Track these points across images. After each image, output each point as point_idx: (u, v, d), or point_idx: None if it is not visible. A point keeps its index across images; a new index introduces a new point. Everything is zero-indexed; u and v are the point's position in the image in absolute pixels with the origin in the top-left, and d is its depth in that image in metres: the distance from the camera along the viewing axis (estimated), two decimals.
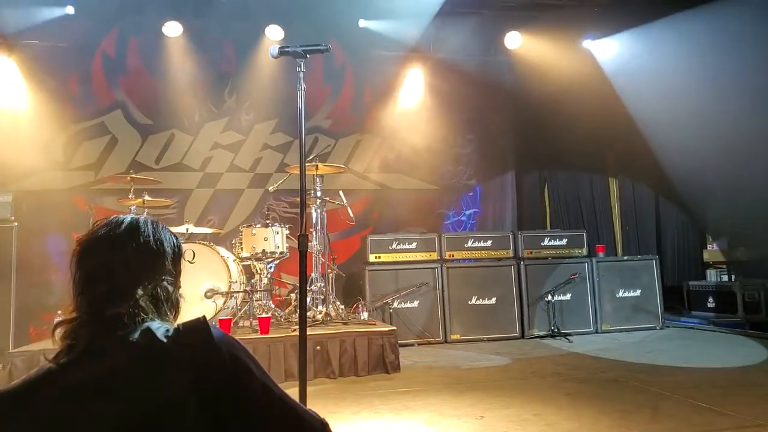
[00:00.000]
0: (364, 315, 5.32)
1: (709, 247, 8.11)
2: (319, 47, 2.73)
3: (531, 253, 6.68)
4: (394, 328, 4.96)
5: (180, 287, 1.25)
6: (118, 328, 1.06)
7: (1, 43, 6.22)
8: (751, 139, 6.05)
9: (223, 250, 5.33)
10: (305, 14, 6.85)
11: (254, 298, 5.15)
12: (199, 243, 5.26)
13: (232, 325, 4.79)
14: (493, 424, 3.21)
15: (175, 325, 1.11)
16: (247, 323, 5.04)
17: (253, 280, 5.49)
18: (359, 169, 7.59)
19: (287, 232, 5.51)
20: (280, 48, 2.72)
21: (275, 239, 5.33)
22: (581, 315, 6.53)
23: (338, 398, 3.93)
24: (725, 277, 7.49)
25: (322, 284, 5.43)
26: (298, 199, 2.65)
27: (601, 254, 6.96)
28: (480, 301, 6.37)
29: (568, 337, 6.15)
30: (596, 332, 6.50)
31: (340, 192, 5.83)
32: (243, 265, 5.51)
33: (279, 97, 7.00)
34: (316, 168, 5.49)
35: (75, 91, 6.75)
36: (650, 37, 6.94)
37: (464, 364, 5.05)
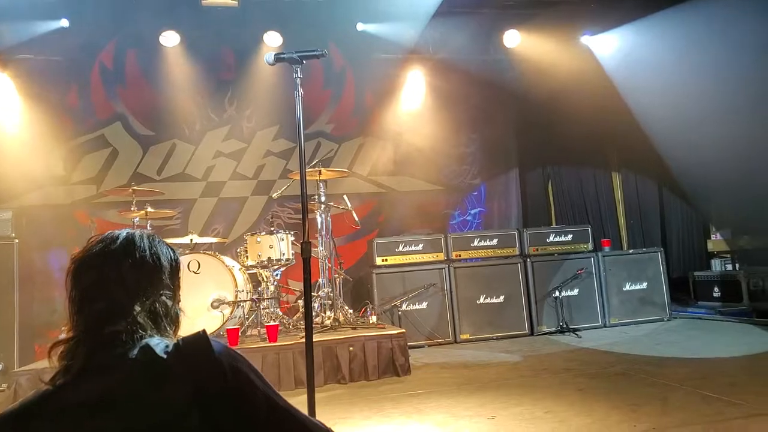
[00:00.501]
0: (373, 319, 5.31)
1: (713, 237, 8.09)
2: (314, 53, 2.73)
3: (537, 249, 6.67)
4: (404, 330, 4.95)
5: (179, 301, 1.23)
6: (117, 346, 1.04)
7: None
8: (753, 129, 6.02)
9: (228, 260, 5.33)
10: (303, 19, 6.85)
11: (261, 307, 5.15)
12: (204, 253, 5.26)
13: (240, 334, 4.79)
14: (505, 423, 3.20)
15: (175, 340, 1.10)
16: (255, 332, 5.03)
17: (259, 288, 5.49)
18: (363, 172, 7.59)
19: (292, 238, 5.50)
20: (275, 55, 2.72)
21: (281, 246, 5.32)
22: (589, 310, 6.52)
23: (349, 403, 3.92)
24: (730, 267, 7.46)
25: (330, 289, 5.42)
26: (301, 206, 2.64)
27: (606, 248, 6.96)
28: (488, 300, 6.36)
29: (577, 332, 6.12)
30: (605, 326, 6.48)
31: (345, 196, 5.82)
32: (249, 274, 5.50)
33: (280, 104, 7.01)
34: (320, 173, 5.48)
35: (73, 104, 6.77)
36: (649, 30, 6.92)
37: (474, 364, 5.03)
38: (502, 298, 6.39)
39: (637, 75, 7.11)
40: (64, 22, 6.44)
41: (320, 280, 5.46)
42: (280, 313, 5.43)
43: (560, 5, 7.18)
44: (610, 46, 7.48)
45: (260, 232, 5.40)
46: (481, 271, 6.47)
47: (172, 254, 1.23)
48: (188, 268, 4.86)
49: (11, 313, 5.27)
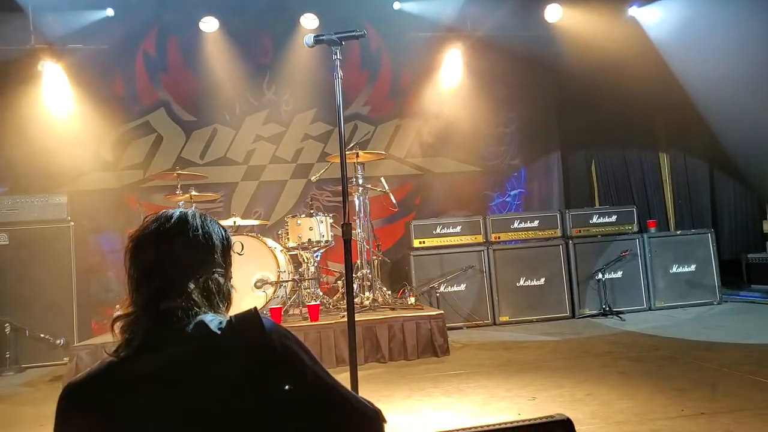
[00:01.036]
0: (411, 300, 5.34)
1: None
2: (353, 33, 2.71)
3: (579, 231, 6.53)
4: (442, 311, 4.96)
5: (231, 278, 1.26)
6: (173, 321, 1.09)
7: (47, 50, 6.45)
8: None
9: (270, 241, 5.44)
10: (339, 0, 6.83)
11: (303, 287, 5.25)
12: (247, 235, 5.39)
13: (282, 313, 4.91)
14: (546, 405, 3.18)
15: (228, 316, 1.13)
16: (297, 311, 5.15)
17: (300, 269, 5.59)
18: (400, 154, 7.57)
19: (331, 220, 5.57)
20: (315, 37, 2.72)
21: (320, 228, 5.40)
22: (633, 292, 6.36)
23: (389, 382, 3.98)
24: None
25: (368, 271, 5.48)
26: (341, 188, 2.66)
27: (652, 230, 6.75)
28: (528, 282, 6.29)
29: (620, 315, 5.99)
30: (650, 309, 6.33)
31: (382, 179, 5.83)
32: (290, 255, 5.61)
33: (317, 87, 7.04)
34: (357, 156, 5.50)
35: (120, 92, 6.98)
36: None
37: (514, 346, 5.01)
38: (542, 280, 6.30)
39: (688, 48, 6.76)
40: (110, 11, 6.62)
41: (358, 261, 5.52)
42: (321, 294, 5.53)
43: None
44: (660, 18, 7.12)
45: (300, 215, 5.49)
46: (521, 253, 6.39)
47: (223, 233, 1.26)
48: (233, 249, 4.98)
49: (69, 291, 5.55)
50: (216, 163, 7.16)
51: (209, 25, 6.92)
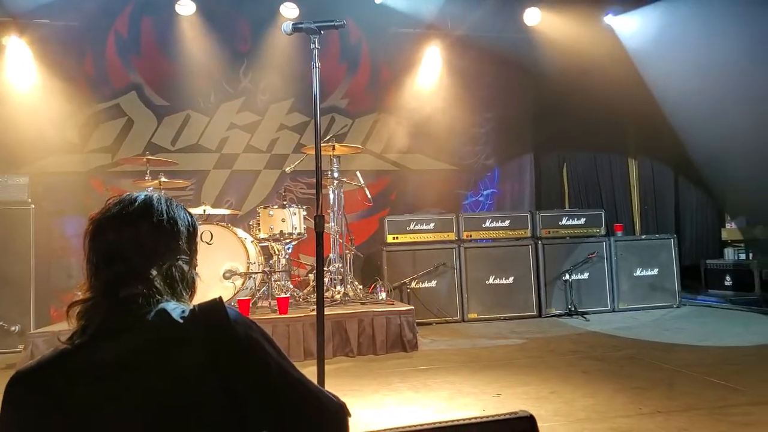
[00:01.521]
0: (382, 295, 5.35)
1: (728, 225, 8.01)
2: (333, 23, 2.69)
3: (549, 232, 6.64)
4: (412, 307, 4.98)
5: (196, 266, 1.22)
6: (133, 308, 1.04)
7: (12, 23, 6.19)
8: None
9: (240, 232, 5.37)
10: None
11: (273, 279, 5.20)
12: (217, 224, 5.30)
13: (250, 305, 4.86)
14: (511, 402, 3.23)
15: (191, 305, 1.09)
16: (265, 303, 5.10)
17: (271, 261, 5.53)
18: (376, 149, 7.56)
19: (304, 213, 5.53)
20: (293, 24, 2.68)
21: (293, 220, 5.35)
22: (598, 294, 6.51)
23: (357, 376, 3.98)
24: (743, 256, 7.40)
25: (340, 265, 5.46)
26: (315, 180, 2.64)
27: (619, 233, 6.92)
28: (497, 281, 6.37)
29: (585, 315, 6.13)
30: (613, 311, 6.48)
31: (358, 173, 5.81)
32: (261, 246, 5.55)
33: (295, 77, 6.96)
34: (333, 148, 5.47)
35: (89, 72, 6.76)
36: (674, 12, 6.73)
37: (481, 343, 5.07)
38: (511, 279, 6.39)
39: (660, 58, 6.94)
40: None
41: (331, 255, 5.49)
42: (291, 286, 5.49)
43: None
44: (634, 27, 7.29)
45: (273, 206, 5.42)
46: (491, 251, 6.47)
47: (189, 219, 1.21)
48: (201, 238, 4.89)
49: (27, 277, 5.33)
50: (188, 150, 7.02)
51: (186, 8, 6.76)
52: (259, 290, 5.28)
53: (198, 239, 1.25)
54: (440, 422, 1.11)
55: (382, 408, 3.25)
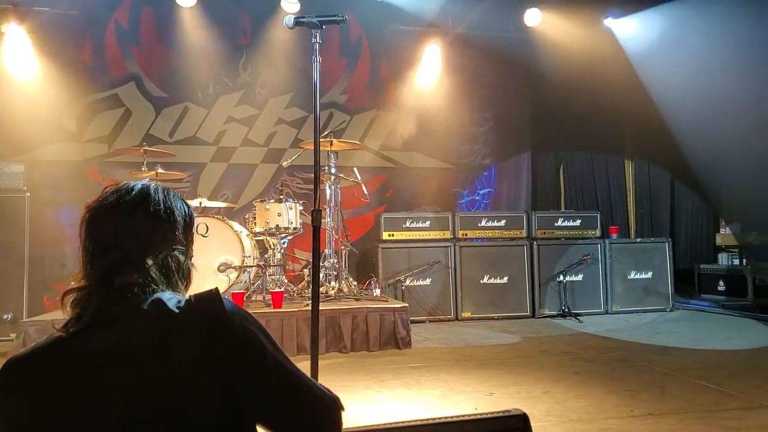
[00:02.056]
0: (377, 291, 5.35)
1: (722, 230, 8.04)
2: (335, 18, 2.69)
3: (544, 233, 6.66)
4: (406, 304, 4.99)
5: (192, 257, 1.21)
6: (128, 298, 1.04)
7: (11, 11, 6.14)
8: None
9: (236, 225, 5.36)
10: None
11: (267, 273, 5.19)
12: (213, 217, 5.29)
13: (245, 299, 4.85)
14: (503, 401, 3.24)
15: (187, 296, 1.08)
16: (260, 297, 5.09)
17: (266, 255, 5.53)
18: (374, 146, 7.55)
19: (301, 208, 5.52)
20: (295, 18, 2.68)
21: (289, 215, 5.34)
22: (592, 296, 6.54)
23: (350, 372, 3.98)
24: (737, 261, 7.43)
25: (335, 260, 5.46)
26: (312, 175, 2.64)
27: (614, 236, 6.94)
28: (492, 280, 6.38)
29: (578, 317, 6.15)
30: (607, 313, 6.51)
31: (355, 169, 5.81)
32: (256, 240, 5.54)
33: (294, 71, 6.95)
34: (331, 144, 5.46)
35: (88, 61, 6.73)
36: (674, 15, 6.76)
37: (475, 342, 5.08)
38: (506, 279, 6.41)
39: (658, 62, 6.96)
40: None
41: (326, 251, 5.49)
42: (286, 281, 5.48)
43: None
44: (633, 30, 7.31)
45: (269, 200, 5.41)
46: (486, 251, 6.48)
47: (186, 209, 1.20)
48: (197, 230, 4.89)
49: (21, 265, 5.31)
50: (185, 142, 6.99)
51: None
52: (253, 284, 5.27)
53: (194, 230, 1.24)
54: (435, 419, 1.11)
55: (375, 404, 3.25)
